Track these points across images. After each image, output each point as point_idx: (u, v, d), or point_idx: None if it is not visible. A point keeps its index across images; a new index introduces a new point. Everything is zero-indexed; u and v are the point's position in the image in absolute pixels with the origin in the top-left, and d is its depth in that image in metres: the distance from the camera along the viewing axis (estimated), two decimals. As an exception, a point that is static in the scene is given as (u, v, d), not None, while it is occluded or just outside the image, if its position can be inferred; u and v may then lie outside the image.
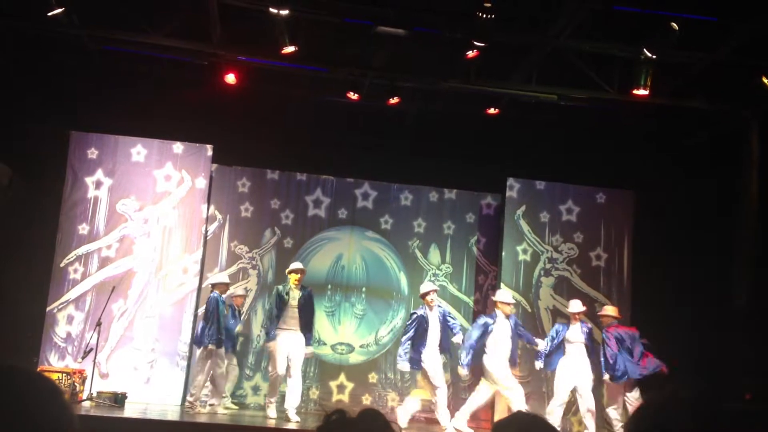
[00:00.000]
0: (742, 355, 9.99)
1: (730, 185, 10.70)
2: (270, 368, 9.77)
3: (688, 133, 11.40)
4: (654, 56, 9.05)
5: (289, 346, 9.44)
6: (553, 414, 9.53)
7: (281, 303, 9.53)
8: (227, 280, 10.33)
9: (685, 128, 11.33)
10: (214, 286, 9.96)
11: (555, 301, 11.34)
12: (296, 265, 9.88)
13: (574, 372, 9.50)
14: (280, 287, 9.72)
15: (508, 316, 9.60)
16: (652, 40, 8.90)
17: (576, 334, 9.62)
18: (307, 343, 9.60)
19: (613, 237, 11.61)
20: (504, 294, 9.95)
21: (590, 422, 9.44)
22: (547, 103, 10.83)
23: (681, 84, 10.18)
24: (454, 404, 11.27)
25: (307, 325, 9.59)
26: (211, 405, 9.77)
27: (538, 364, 9.71)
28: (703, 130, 11.21)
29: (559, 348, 9.65)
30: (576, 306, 9.81)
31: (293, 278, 9.64)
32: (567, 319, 10.76)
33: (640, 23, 8.95)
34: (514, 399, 9.23)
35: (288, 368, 9.45)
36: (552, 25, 9.07)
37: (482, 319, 9.66)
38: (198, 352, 9.80)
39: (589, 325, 9.97)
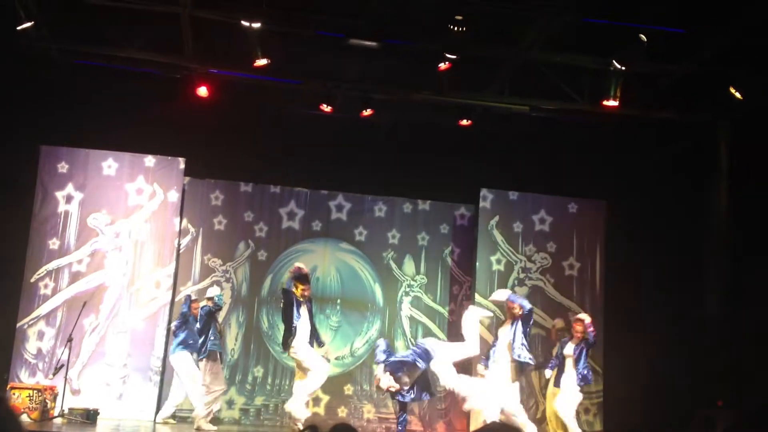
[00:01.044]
0: (714, 362, 10.10)
1: (700, 195, 10.84)
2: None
3: (658, 144, 11.54)
4: (624, 68, 9.17)
5: None
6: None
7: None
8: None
9: (655, 139, 11.46)
10: (208, 299, 9.79)
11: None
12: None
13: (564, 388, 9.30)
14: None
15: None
16: (621, 51, 9.01)
17: (569, 350, 9.40)
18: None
19: (586, 246, 11.71)
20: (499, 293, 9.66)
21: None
22: (520, 114, 10.92)
23: (651, 95, 10.31)
24: (430, 414, 11.32)
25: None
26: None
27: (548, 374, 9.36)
28: (674, 141, 11.34)
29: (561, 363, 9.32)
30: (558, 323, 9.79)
31: (298, 291, 9.01)
32: (544, 330, 10.81)
33: (610, 35, 9.05)
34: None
35: None
36: (523, 38, 9.15)
37: None
38: (202, 365, 9.51)
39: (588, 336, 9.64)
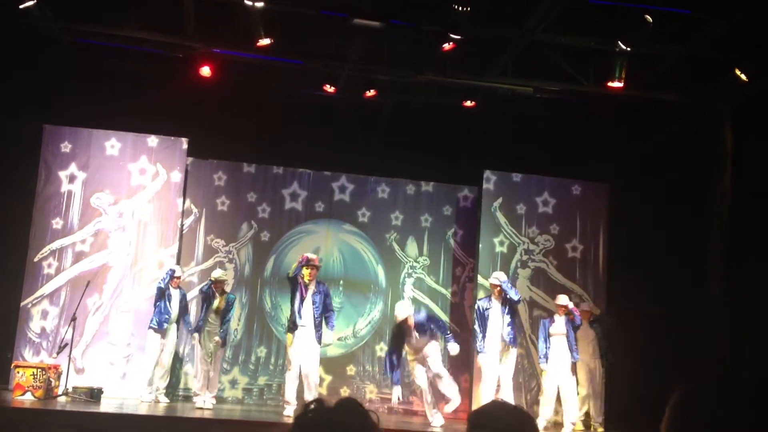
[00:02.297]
0: (716, 346, 10.11)
1: (704, 177, 10.82)
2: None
3: (662, 126, 11.50)
4: (629, 49, 9.12)
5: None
6: (545, 408, 9.69)
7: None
8: (225, 277, 10.28)
9: (660, 121, 11.43)
10: (215, 282, 9.87)
11: (532, 292, 11.40)
12: (311, 255, 9.60)
13: (558, 366, 9.61)
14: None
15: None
16: (626, 32, 8.96)
17: (560, 326, 9.69)
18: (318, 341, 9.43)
19: (589, 229, 11.70)
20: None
21: (572, 411, 9.57)
22: (523, 95, 10.88)
23: (655, 77, 10.26)
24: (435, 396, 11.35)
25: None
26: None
27: (544, 366, 9.69)
28: (678, 123, 11.31)
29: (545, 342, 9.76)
30: (563, 300, 9.90)
31: (306, 273, 9.34)
32: (546, 312, 10.82)
33: (615, 16, 9.00)
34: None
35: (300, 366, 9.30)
36: (528, 18, 9.10)
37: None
38: (196, 342, 9.84)
39: (572, 316, 9.90)
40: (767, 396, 1.52)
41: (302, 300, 9.26)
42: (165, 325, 9.97)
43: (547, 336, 9.66)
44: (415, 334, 9.06)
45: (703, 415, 1.54)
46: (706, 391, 1.56)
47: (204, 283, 10.16)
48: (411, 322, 9.04)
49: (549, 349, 9.63)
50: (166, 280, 9.98)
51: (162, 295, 9.96)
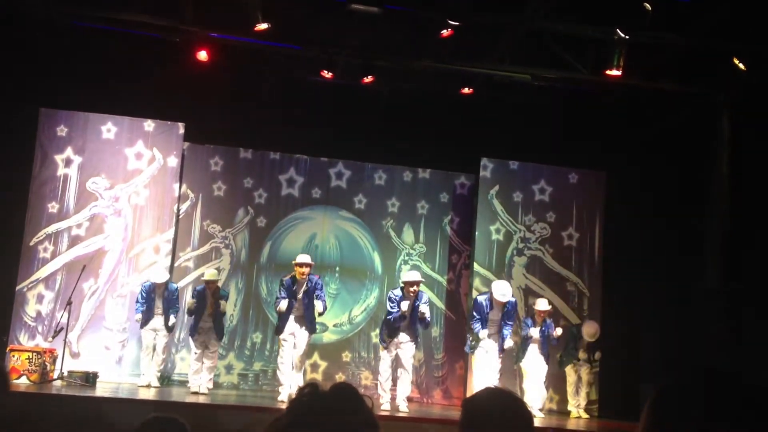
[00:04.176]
0: (711, 335, 10.13)
1: (701, 167, 10.81)
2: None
3: (660, 115, 11.48)
4: (627, 37, 9.09)
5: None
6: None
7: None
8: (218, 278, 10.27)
9: (657, 110, 11.41)
10: (208, 283, 9.86)
11: (527, 280, 11.42)
12: (303, 258, 9.53)
13: (535, 367, 9.92)
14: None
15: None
16: (625, 20, 8.93)
17: (537, 332, 9.97)
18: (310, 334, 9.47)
19: (585, 217, 11.71)
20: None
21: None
22: (521, 83, 10.85)
23: (654, 66, 10.24)
24: (427, 382, 11.40)
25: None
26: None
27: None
28: (676, 112, 11.29)
29: (525, 343, 10.01)
30: (543, 304, 9.99)
31: (299, 272, 9.30)
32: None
33: (614, 4, 8.96)
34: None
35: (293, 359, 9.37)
36: (526, 5, 9.06)
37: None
38: (196, 344, 9.82)
39: (549, 321, 10.12)
40: (737, 394, 1.55)
41: (295, 301, 9.28)
42: (153, 320, 9.93)
43: (527, 337, 10.04)
44: (500, 313, 9.47)
45: (673, 413, 1.57)
46: (676, 390, 1.60)
47: (196, 288, 10.12)
48: (503, 301, 9.44)
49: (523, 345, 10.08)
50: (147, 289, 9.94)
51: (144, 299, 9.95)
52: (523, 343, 10.06)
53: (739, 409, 1.53)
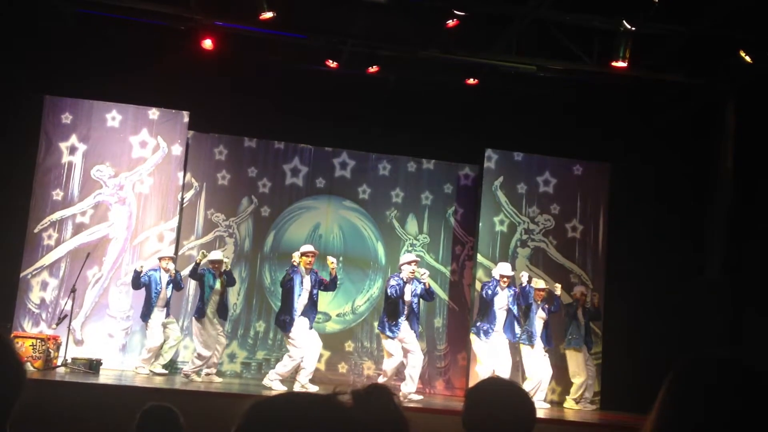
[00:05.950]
0: (712, 326, 10.14)
1: (705, 158, 10.79)
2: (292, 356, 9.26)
3: (665, 107, 11.46)
4: (633, 28, 9.06)
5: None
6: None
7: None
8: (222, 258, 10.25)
9: (662, 101, 11.38)
10: (212, 263, 9.86)
11: (531, 272, 11.39)
12: (307, 247, 9.50)
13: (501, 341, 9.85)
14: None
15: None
16: (631, 11, 8.90)
17: (503, 299, 9.83)
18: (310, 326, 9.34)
19: (589, 209, 11.69)
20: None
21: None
22: (526, 74, 10.82)
23: (659, 57, 10.21)
24: (429, 373, 11.41)
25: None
26: (207, 374, 9.79)
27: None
28: (681, 104, 11.26)
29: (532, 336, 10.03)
30: (506, 269, 9.96)
31: (304, 261, 9.27)
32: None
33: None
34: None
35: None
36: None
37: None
38: (199, 324, 9.79)
39: (516, 289, 10.05)
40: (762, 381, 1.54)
41: (300, 293, 9.17)
42: (154, 314, 9.96)
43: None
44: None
45: (702, 389, 1.54)
46: (707, 366, 1.57)
47: (201, 265, 9.92)
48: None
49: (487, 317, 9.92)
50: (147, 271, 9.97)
51: (140, 285, 9.95)
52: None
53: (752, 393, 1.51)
